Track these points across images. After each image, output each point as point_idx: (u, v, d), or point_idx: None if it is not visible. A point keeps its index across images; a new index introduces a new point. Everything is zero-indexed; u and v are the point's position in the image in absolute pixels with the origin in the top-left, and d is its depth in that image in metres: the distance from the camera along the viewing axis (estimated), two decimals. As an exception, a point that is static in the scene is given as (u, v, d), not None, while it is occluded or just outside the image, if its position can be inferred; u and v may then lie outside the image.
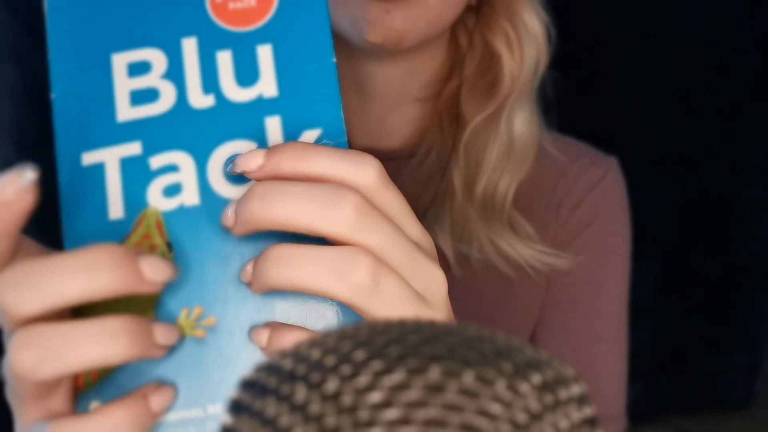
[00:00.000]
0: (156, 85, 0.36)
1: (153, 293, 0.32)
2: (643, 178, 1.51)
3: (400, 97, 0.67)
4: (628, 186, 0.71)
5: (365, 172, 0.32)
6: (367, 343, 0.18)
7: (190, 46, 0.37)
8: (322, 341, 0.19)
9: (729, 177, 1.79)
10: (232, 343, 0.34)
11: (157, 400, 0.32)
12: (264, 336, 0.33)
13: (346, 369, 0.17)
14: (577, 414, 0.18)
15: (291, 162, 0.32)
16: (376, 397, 0.16)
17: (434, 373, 0.17)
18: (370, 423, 0.16)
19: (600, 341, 0.65)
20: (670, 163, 1.76)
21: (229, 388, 0.34)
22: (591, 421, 0.18)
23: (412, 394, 0.16)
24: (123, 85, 0.36)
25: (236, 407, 0.18)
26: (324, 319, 0.35)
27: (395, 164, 0.67)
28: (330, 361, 0.17)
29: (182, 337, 0.34)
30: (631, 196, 0.70)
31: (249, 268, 0.33)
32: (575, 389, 0.18)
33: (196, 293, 0.34)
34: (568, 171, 0.67)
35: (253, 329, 0.34)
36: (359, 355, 0.17)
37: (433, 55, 0.67)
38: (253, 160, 0.33)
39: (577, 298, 0.65)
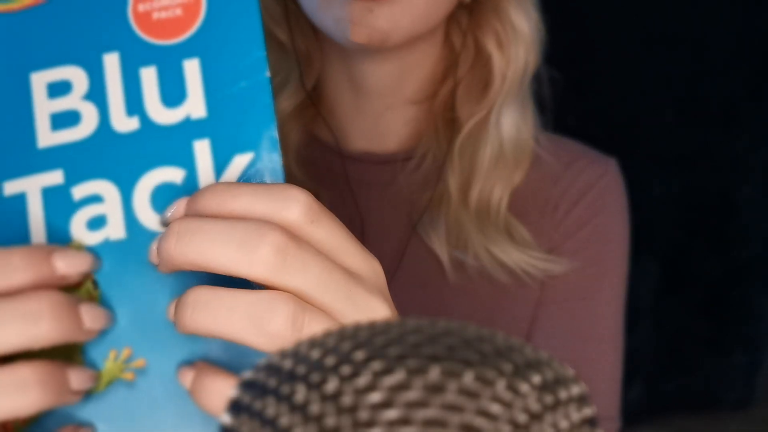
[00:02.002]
0: (77, 106, 0.34)
1: None
2: (643, 178, 1.51)
3: (395, 97, 0.67)
4: (627, 186, 0.70)
5: (290, 208, 0.30)
6: (367, 343, 0.18)
7: (112, 63, 0.34)
8: (322, 341, 0.18)
9: (729, 176, 1.79)
10: (163, 386, 0.32)
11: None
12: (188, 378, 0.31)
13: (346, 369, 0.17)
14: (577, 414, 0.18)
15: (210, 208, 0.30)
16: (376, 397, 0.16)
17: (434, 373, 0.17)
18: (370, 423, 0.16)
19: (594, 341, 0.65)
20: (670, 163, 1.76)
21: None
22: (591, 422, 0.18)
23: (412, 394, 0.16)
24: (43, 107, 0.34)
25: (236, 407, 0.18)
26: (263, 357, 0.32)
27: (392, 167, 0.67)
28: (330, 361, 0.17)
29: (111, 381, 0.32)
30: (631, 196, 0.70)
31: (172, 308, 0.31)
32: (575, 389, 0.18)
33: (125, 334, 0.32)
34: (563, 175, 0.67)
35: (180, 368, 0.32)
36: (359, 355, 0.17)
37: (426, 54, 0.67)
38: (177, 213, 0.32)
39: (571, 297, 0.65)
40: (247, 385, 0.19)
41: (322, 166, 0.68)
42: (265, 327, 0.28)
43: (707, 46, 1.70)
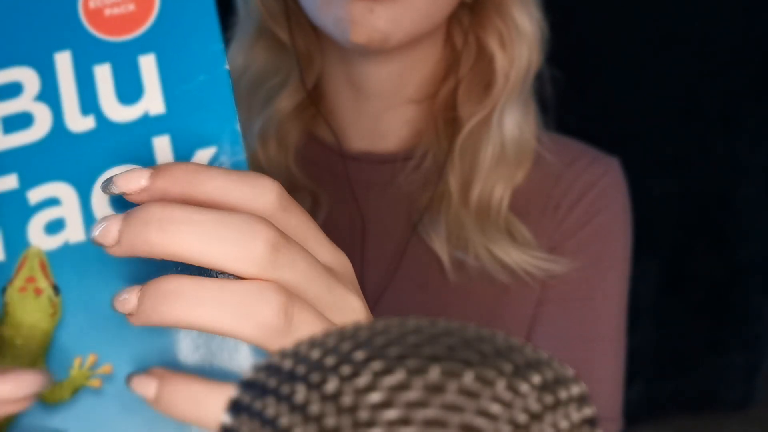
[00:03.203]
0: (29, 108, 0.33)
1: (43, 340, 0.30)
2: (643, 178, 1.51)
3: (395, 97, 0.67)
4: (628, 186, 0.70)
5: (264, 196, 0.29)
6: (367, 343, 0.18)
7: (63, 62, 0.33)
8: (322, 341, 0.19)
9: (729, 177, 1.79)
10: (132, 392, 0.30)
11: None
12: (151, 387, 0.29)
13: (346, 369, 0.17)
14: (577, 414, 0.18)
15: (180, 186, 0.29)
16: (376, 397, 0.16)
17: (434, 373, 0.17)
18: (370, 423, 0.16)
19: (595, 341, 0.65)
20: (670, 163, 1.76)
21: None
22: (591, 422, 0.18)
23: (412, 394, 0.16)
24: None
25: (236, 407, 0.18)
26: (234, 359, 0.32)
27: (391, 167, 0.67)
28: (330, 361, 0.17)
29: (77, 389, 0.31)
30: (631, 196, 0.70)
31: (128, 296, 0.28)
32: (575, 389, 0.18)
33: (89, 339, 0.31)
34: (564, 175, 0.67)
35: (133, 378, 0.29)
36: (359, 355, 0.17)
37: (428, 55, 0.67)
38: (135, 181, 0.29)
39: (572, 296, 0.65)
40: (247, 385, 0.19)
41: (322, 166, 0.68)
42: (256, 317, 0.27)
43: (707, 46, 1.70)
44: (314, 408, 0.17)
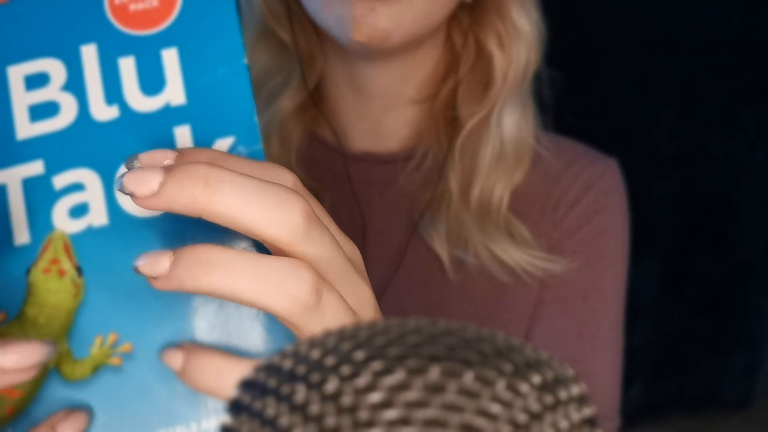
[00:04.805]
0: (56, 98, 0.34)
1: (65, 320, 0.31)
2: (643, 178, 1.51)
3: (397, 98, 0.67)
4: (627, 186, 0.71)
5: (282, 183, 0.30)
6: (367, 343, 0.18)
7: (89, 54, 0.34)
8: (322, 341, 0.19)
9: (729, 176, 1.79)
10: (150, 369, 0.32)
11: (66, 428, 0.31)
12: (178, 359, 0.31)
13: (346, 369, 0.17)
14: (577, 414, 0.18)
15: None
16: (376, 397, 0.16)
17: (434, 373, 0.17)
18: (370, 423, 0.16)
19: (593, 339, 0.65)
20: (670, 163, 1.76)
21: (150, 419, 0.32)
22: (591, 422, 0.18)
23: (412, 394, 0.16)
24: (21, 99, 0.34)
25: (236, 407, 0.18)
26: (249, 339, 0.33)
27: (392, 167, 0.67)
28: (330, 361, 0.17)
29: (97, 367, 0.32)
30: (631, 196, 0.70)
31: (159, 259, 0.28)
32: (575, 389, 0.18)
33: (110, 319, 0.32)
34: (563, 175, 0.67)
35: (165, 351, 0.31)
36: (359, 355, 0.17)
37: (428, 56, 0.67)
38: (159, 159, 0.30)
39: (571, 296, 0.65)
40: (247, 385, 0.19)
41: (324, 166, 0.69)
42: (290, 291, 0.28)
43: (707, 46, 1.70)
44: (314, 408, 0.17)
